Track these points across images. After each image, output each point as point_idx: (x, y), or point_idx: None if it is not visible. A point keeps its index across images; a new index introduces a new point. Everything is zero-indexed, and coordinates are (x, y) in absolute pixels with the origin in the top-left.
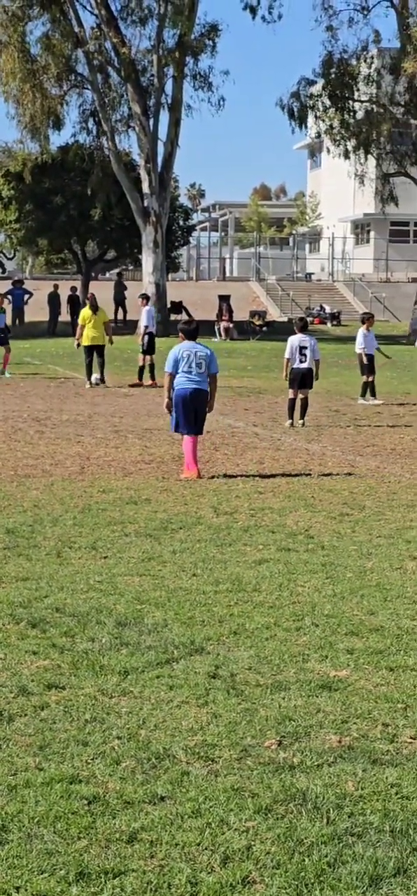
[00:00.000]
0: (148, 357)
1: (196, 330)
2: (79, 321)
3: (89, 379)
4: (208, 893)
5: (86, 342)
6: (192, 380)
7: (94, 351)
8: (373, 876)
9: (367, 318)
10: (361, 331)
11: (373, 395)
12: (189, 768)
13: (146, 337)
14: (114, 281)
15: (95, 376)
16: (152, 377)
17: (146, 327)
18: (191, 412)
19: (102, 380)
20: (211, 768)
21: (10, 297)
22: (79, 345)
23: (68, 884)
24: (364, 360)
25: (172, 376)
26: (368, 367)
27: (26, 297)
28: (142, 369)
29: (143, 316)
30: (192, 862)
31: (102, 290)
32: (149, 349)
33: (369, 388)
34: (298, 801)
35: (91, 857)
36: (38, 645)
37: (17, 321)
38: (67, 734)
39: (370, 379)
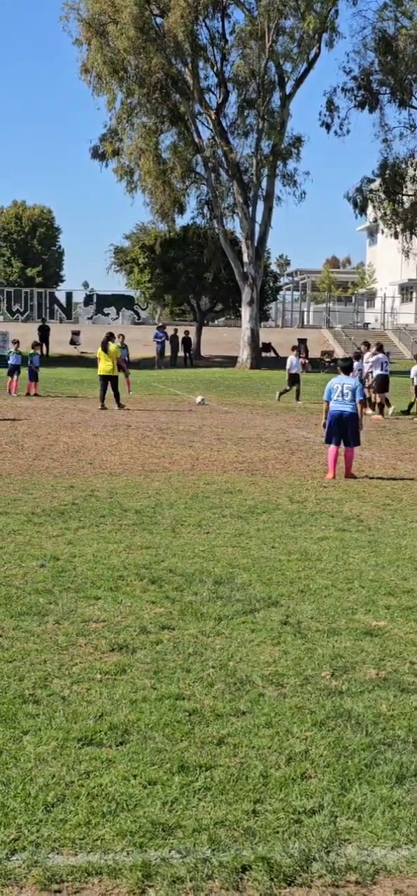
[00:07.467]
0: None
1: (348, 367)
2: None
3: (102, 402)
4: (275, 784)
5: (99, 372)
6: (340, 405)
7: (108, 381)
8: (399, 775)
9: None
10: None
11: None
12: (264, 691)
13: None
14: (38, 325)
15: (200, 398)
16: (380, 411)
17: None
18: (340, 429)
19: (119, 405)
20: (281, 691)
21: (159, 336)
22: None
23: (172, 774)
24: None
25: (328, 403)
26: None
27: (163, 337)
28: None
29: (370, 364)
30: (264, 760)
31: (211, 333)
32: (382, 388)
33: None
34: (345, 717)
35: (190, 755)
36: (155, 596)
37: (160, 356)
38: (175, 663)
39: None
